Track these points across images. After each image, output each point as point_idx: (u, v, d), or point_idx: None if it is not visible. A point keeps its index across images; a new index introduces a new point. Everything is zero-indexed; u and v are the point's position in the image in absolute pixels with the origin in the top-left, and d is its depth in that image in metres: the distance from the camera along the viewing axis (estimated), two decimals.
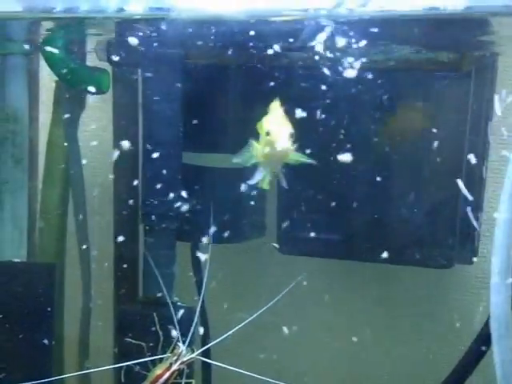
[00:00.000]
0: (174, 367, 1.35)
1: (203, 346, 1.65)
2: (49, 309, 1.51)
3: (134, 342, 1.44)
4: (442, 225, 1.49)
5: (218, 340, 1.39)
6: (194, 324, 1.39)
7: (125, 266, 1.63)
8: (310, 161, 1.30)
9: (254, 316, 1.38)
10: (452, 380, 1.50)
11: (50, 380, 1.44)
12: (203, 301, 1.69)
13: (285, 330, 1.59)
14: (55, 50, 1.53)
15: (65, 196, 1.69)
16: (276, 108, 1.30)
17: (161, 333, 1.41)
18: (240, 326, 1.37)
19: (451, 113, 1.49)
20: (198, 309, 1.43)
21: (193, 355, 1.37)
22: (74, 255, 1.70)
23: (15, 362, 1.48)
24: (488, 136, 1.54)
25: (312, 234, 1.53)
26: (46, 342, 1.50)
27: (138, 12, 1.30)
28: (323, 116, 1.47)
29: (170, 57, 1.45)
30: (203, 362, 1.49)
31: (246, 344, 1.49)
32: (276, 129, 1.25)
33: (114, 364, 1.47)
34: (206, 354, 1.47)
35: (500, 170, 1.61)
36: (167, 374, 1.35)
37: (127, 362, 1.40)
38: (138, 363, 1.39)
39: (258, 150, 1.28)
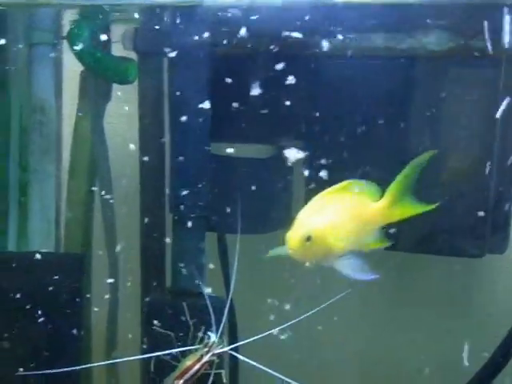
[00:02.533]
0: (205, 359, 1.34)
1: (231, 336, 1.66)
2: (77, 299, 1.51)
3: (161, 331, 1.43)
4: (474, 213, 1.47)
5: (250, 340, 1.37)
6: (224, 314, 1.38)
7: (152, 256, 1.63)
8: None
9: (294, 322, 1.37)
10: (482, 376, 1.49)
11: (77, 368, 1.44)
12: (230, 293, 1.70)
13: (309, 323, 1.58)
14: (82, 40, 1.54)
15: (91, 187, 1.69)
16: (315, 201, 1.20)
17: (190, 323, 1.41)
18: (276, 329, 1.36)
19: (480, 101, 1.47)
20: (228, 300, 1.41)
21: (225, 348, 1.35)
22: (101, 246, 1.71)
23: (44, 352, 1.48)
24: None
25: None
26: (74, 332, 1.50)
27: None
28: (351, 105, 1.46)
29: (199, 45, 1.44)
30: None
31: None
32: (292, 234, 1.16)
33: (142, 354, 1.48)
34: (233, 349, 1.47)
35: None
36: (197, 366, 1.34)
37: (156, 352, 1.40)
38: (167, 354, 1.39)
39: None
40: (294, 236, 1.18)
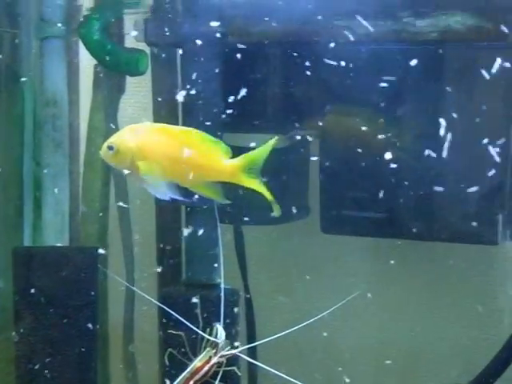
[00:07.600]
0: (214, 360, 1.35)
1: (248, 331, 1.65)
2: (92, 293, 1.50)
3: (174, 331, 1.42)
4: (489, 200, 1.45)
5: (263, 341, 1.39)
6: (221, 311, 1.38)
7: (167, 248, 1.62)
8: None
9: (315, 319, 1.38)
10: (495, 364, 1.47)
11: None
12: (247, 285, 1.69)
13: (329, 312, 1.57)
14: (92, 32, 1.53)
15: (106, 180, 1.68)
16: None
17: (204, 316, 1.40)
18: (296, 328, 1.36)
19: (498, 88, 1.44)
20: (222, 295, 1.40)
21: (233, 351, 1.36)
22: (116, 239, 1.70)
23: (60, 346, 1.48)
24: None
25: (355, 213, 1.51)
26: (90, 326, 1.50)
27: None
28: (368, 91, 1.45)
29: (211, 35, 1.43)
30: (249, 343, 1.48)
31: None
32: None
33: (159, 347, 1.47)
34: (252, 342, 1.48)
35: None
36: (206, 367, 1.35)
37: (172, 346, 1.40)
38: (180, 350, 1.39)
39: None
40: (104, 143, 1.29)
